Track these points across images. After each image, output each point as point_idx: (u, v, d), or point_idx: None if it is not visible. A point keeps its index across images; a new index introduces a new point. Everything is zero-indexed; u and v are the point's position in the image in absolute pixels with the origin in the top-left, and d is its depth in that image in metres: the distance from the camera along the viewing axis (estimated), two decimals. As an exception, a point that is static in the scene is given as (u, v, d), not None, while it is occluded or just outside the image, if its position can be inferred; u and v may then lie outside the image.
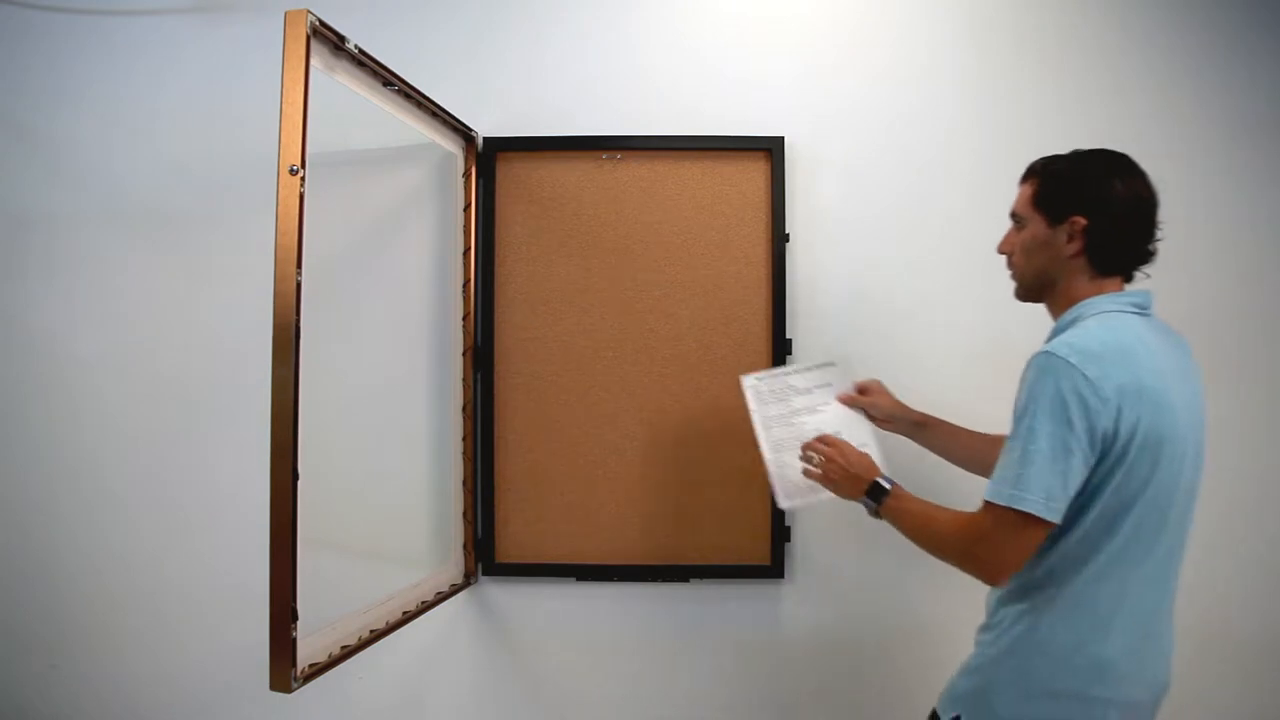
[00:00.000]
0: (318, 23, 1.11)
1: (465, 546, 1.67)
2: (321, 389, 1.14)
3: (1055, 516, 0.97)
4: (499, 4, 1.74)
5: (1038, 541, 0.99)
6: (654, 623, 1.70)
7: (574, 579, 1.69)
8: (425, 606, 1.47)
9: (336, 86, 1.23)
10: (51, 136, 1.78)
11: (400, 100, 1.43)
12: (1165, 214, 1.65)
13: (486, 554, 1.68)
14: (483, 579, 1.71)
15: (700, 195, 1.68)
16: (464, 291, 1.67)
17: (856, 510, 1.24)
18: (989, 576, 1.04)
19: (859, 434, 1.37)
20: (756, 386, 1.43)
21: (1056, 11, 1.71)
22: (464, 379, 1.67)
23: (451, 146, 1.64)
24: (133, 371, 1.75)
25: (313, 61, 1.10)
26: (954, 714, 1.10)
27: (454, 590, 1.61)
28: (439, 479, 1.65)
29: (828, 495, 1.29)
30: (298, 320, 1.06)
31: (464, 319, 1.67)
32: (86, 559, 1.76)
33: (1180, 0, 1.70)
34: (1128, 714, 1.04)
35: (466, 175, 1.68)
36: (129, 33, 1.78)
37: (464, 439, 1.67)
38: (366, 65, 1.28)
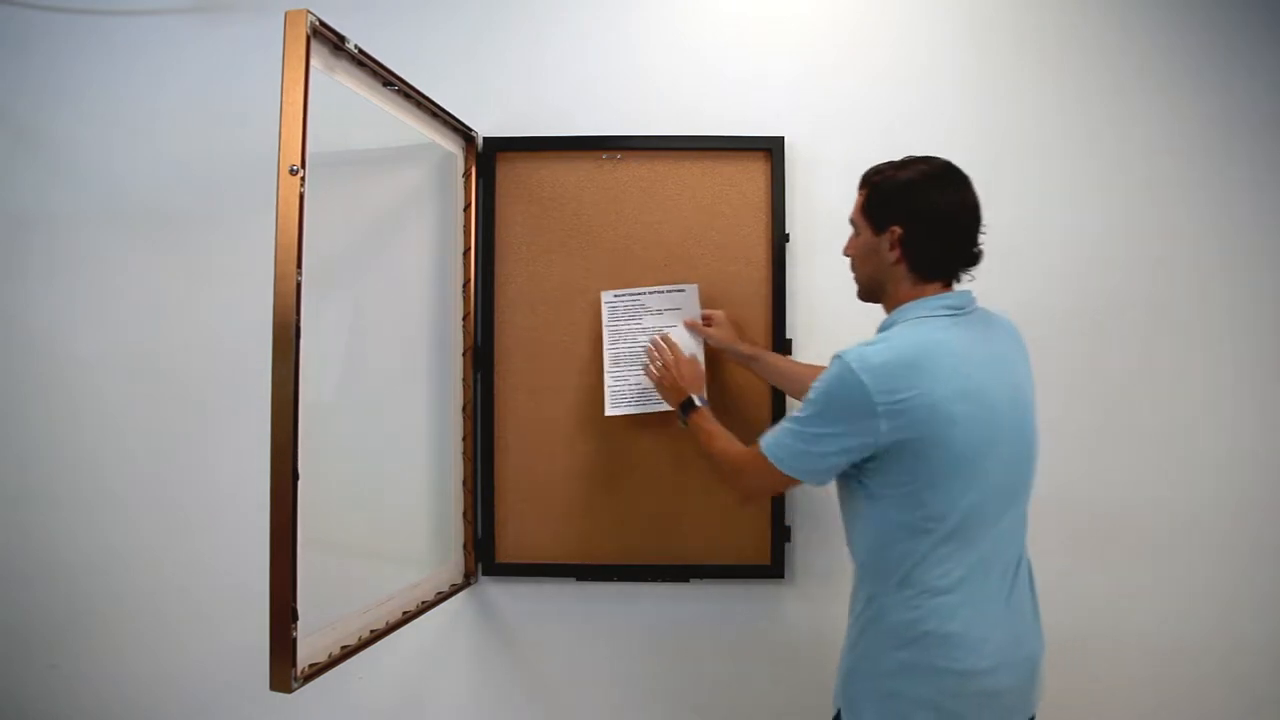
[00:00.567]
0: (318, 23, 1.11)
1: (465, 546, 1.67)
2: (321, 389, 1.14)
3: (799, 476, 1.14)
4: (499, 4, 1.74)
5: (784, 486, 1.20)
6: (654, 623, 1.70)
7: (574, 579, 1.69)
8: (425, 606, 1.47)
9: (336, 86, 1.23)
10: (51, 136, 1.78)
11: (400, 100, 1.43)
12: (1165, 213, 1.68)
13: (486, 554, 1.68)
14: (483, 579, 1.71)
15: (700, 195, 1.68)
16: (464, 291, 1.67)
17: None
18: (739, 499, 1.33)
19: (694, 348, 1.58)
20: (613, 302, 1.63)
21: (1056, 11, 1.71)
22: (464, 379, 1.66)
23: (451, 146, 1.64)
24: (133, 371, 1.75)
25: (313, 61, 1.10)
26: (837, 708, 1.20)
27: (454, 590, 1.61)
28: (439, 479, 1.64)
29: (651, 409, 1.56)
30: (298, 320, 1.06)
31: (464, 319, 1.67)
32: (86, 559, 1.76)
33: (1180, 0, 1.70)
34: (985, 688, 1.08)
35: (466, 175, 1.68)
36: (129, 33, 1.78)
37: (464, 439, 1.67)
38: (366, 65, 1.28)
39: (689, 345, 1.58)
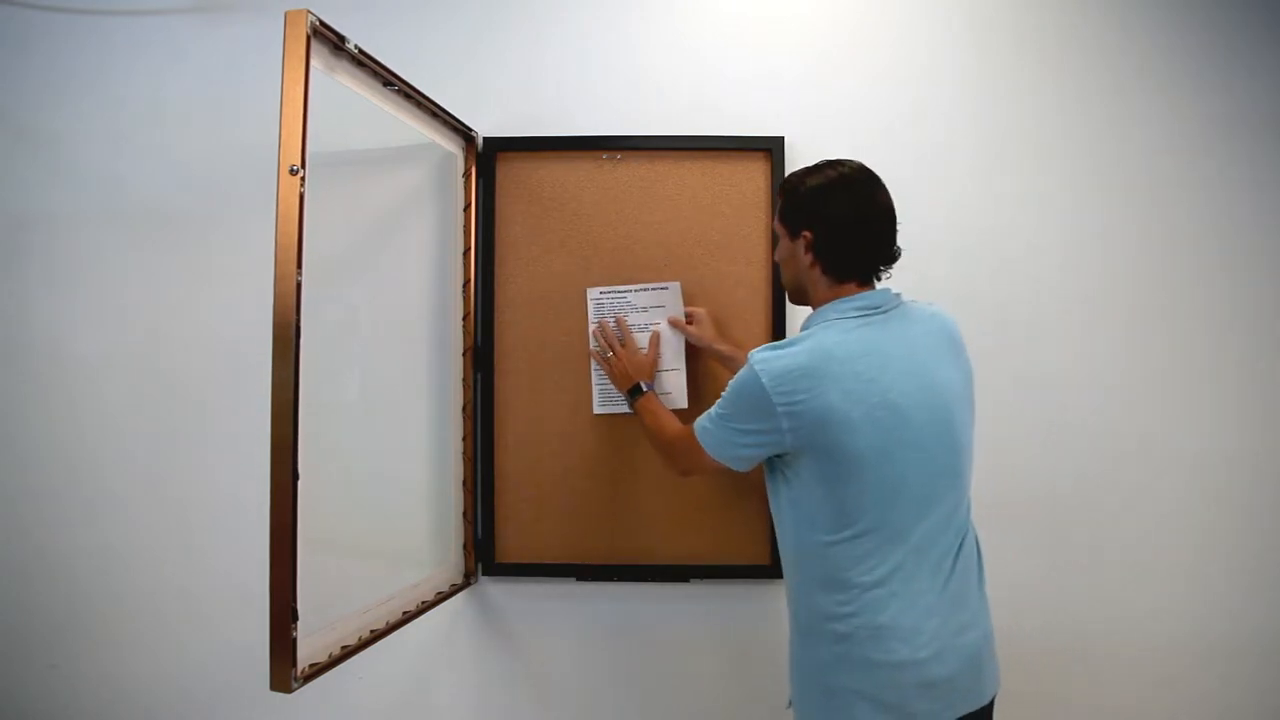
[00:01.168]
0: (318, 23, 1.11)
1: (465, 546, 1.67)
2: (321, 389, 1.13)
3: (722, 461, 1.21)
4: (499, 4, 1.74)
5: (712, 466, 1.23)
6: (654, 623, 1.70)
7: (574, 579, 1.69)
8: (425, 606, 1.47)
9: (336, 86, 1.23)
10: (51, 136, 1.78)
11: (400, 100, 1.43)
12: (1165, 213, 1.68)
13: (486, 554, 1.68)
14: (483, 579, 1.71)
15: (700, 195, 1.68)
16: (464, 291, 1.67)
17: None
18: (675, 472, 1.44)
19: (673, 355, 1.63)
20: (599, 299, 1.65)
21: (1056, 11, 1.71)
22: (464, 379, 1.66)
23: (451, 146, 1.64)
24: (133, 371, 1.75)
25: (313, 61, 1.10)
26: (789, 700, 1.24)
27: (454, 590, 1.61)
28: (439, 479, 1.64)
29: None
30: (298, 320, 1.06)
31: (464, 319, 1.67)
32: (86, 559, 1.75)
33: (1180, 0, 1.70)
34: (924, 678, 1.10)
35: (466, 175, 1.68)
36: (129, 33, 1.78)
37: (464, 439, 1.67)
38: (366, 65, 1.28)
39: (672, 343, 1.62)
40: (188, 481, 1.74)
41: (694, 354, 1.65)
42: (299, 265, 1.06)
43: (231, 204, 1.73)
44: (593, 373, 1.66)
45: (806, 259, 1.19)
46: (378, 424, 1.56)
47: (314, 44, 1.11)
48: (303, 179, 1.06)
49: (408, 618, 1.41)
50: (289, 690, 1.06)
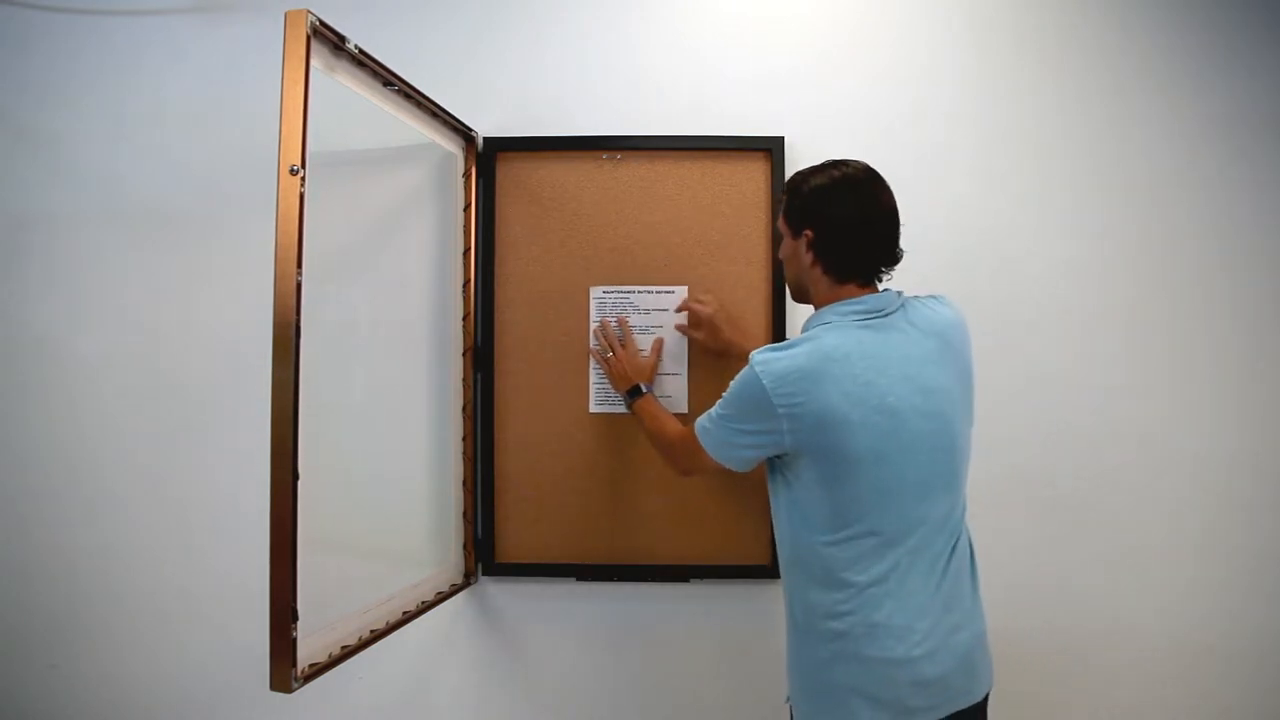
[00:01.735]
0: (318, 23, 1.11)
1: (465, 546, 1.67)
2: (321, 389, 1.13)
3: (722, 462, 1.22)
4: (499, 4, 1.74)
5: (712, 466, 1.24)
6: (654, 623, 1.70)
7: (574, 579, 1.69)
8: (425, 606, 1.47)
9: (336, 86, 1.23)
10: (51, 136, 1.78)
11: (400, 100, 1.43)
12: (1165, 213, 1.68)
13: (486, 554, 1.68)
14: (483, 579, 1.71)
15: (700, 195, 1.68)
16: (464, 291, 1.67)
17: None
18: (676, 472, 1.44)
19: (674, 359, 1.64)
20: (602, 299, 1.66)
21: (1056, 11, 1.71)
22: (464, 379, 1.66)
23: (451, 146, 1.64)
24: (133, 371, 1.75)
25: (313, 62, 1.10)
26: (786, 696, 1.26)
27: (454, 590, 1.61)
28: (439, 479, 1.64)
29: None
30: (298, 320, 1.06)
31: (464, 319, 1.67)
32: (86, 559, 1.76)
33: (1180, 0, 1.70)
34: (919, 675, 1.11)
35: (466, 175, 1.68)
36: (129, 33, 1.78)
37: (464, 439, 1.67)
38: (366, 65, 1.28)
39: (673, 347, 1.65)
40: (188, 481, 1.74)
41: (695, 359, 1.64)
42: (299, 265, 1.06)
43: (231, 204, 1.73)
44: (591, 371, 1.66)
45: (808, 258, 1.19)
46: (378, 424, 1.55)
47: (314, 44, 1.10)
48: (303, 179, 1.06)
49: (408, 618, 1.41)
50: (289, 690, 1.06)
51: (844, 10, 1.72)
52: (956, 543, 1.19)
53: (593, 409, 1.66)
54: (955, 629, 1.15)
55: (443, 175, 1.66)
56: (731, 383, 1.19)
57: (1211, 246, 1.69)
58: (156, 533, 1.74)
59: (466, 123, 1.64)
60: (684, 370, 1.65)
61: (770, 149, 1.66)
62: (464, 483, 1.67)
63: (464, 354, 1.67)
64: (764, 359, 1.14)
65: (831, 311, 1.18)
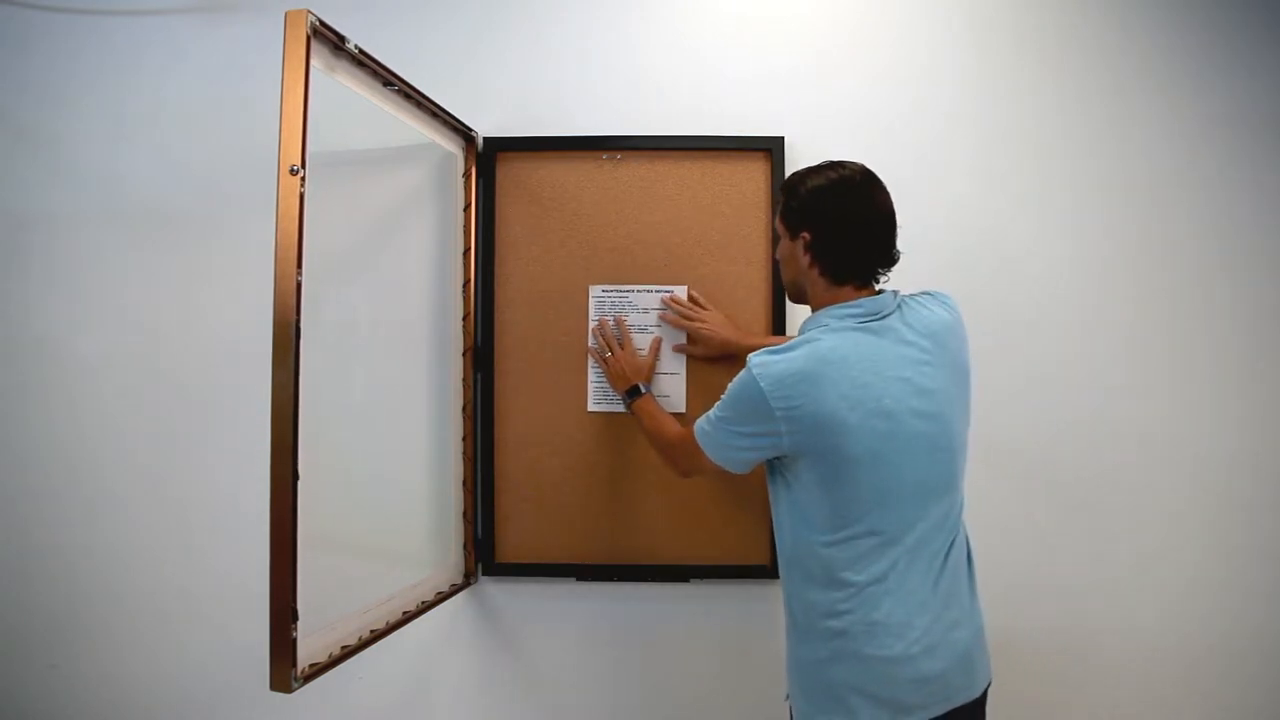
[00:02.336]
0: (318, 23, 1.11)
1: (465, 546, 1.67)
2: (321, 389, 1.13)
3: (721, 464, 1.23)
4: (499, 4, 1.74)
5: (711, 468, 1.25)
6: (654, 623, 1.70)
7: (574, 579, 1.69)
8: (425, 606, 1.47)
9: (336, 86, 1.23)
10: (52, 136, 1.78)
11: (400, 100, 1.43)
12: (1165, 213, 1.68)
13: (486, 554, 1.68)
14: (483, 579, 1.71)
15: (700, 195, 1.68)
16: (464, 291, 1.67)
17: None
18: (675, 473, 1.43)
19: (673, 359, 1.64)
20: (601, 298, 1.67)
21: (1056, 11, 1.71)
22: (464, 379, 1.66)
23: (451, 146, 1.64)
24: (133, 371, 1.75)
25: (313, 62, 1.10)
26: (786, 694, 1.26)
27: (454, 590, 1.61)
28: (439, 479, 1.64)
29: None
30: (298, 320, 1.06)
31: (464, 319, 1.67)
32: (86, 559, 1.76)
33: (1180, 0, 1.70)
34: (918, 673, 1.12)
35: (466, 175, 1.68)
36: (129, 33, 1.78)
37: (464, 439, 1.67)
38: (367, 65, 1.28)
39: (668, 348, 1.65)
40: (188, 481, 1.74)
41: (695, 359, 1.65)
42: (299, 265, 1.06)
43: (231, 204, 1.73)
44: (589, 370, 1.66)
45: (805, 260, 1.20)
46: (378, 424, 1.55)
47: (314, 44, 1.11)
48: (303, 179, 1.06)
49: (408, 618, 1.41)
50: (289, 690, 1.06)
51: (844, 10, 1.72)
52: (954, 541, 1.19)
53: (591, 408, 1.66)
54: (953, 626, 1.15)
55: (443, 175, 1.66)
56: (729, 385, 1.20)
57: (1211, 246, 1.69)
58: (156, 533, 1.74)
59: (466, 123, 1.64)
60: (683, 370, 1.65)
61: (770, 149, 1.67)
62: (464, 483, 1.67)
63: (464, 354, 1.67)
64: (761, 362, 1.14)
65: (828, 314, 1.19)
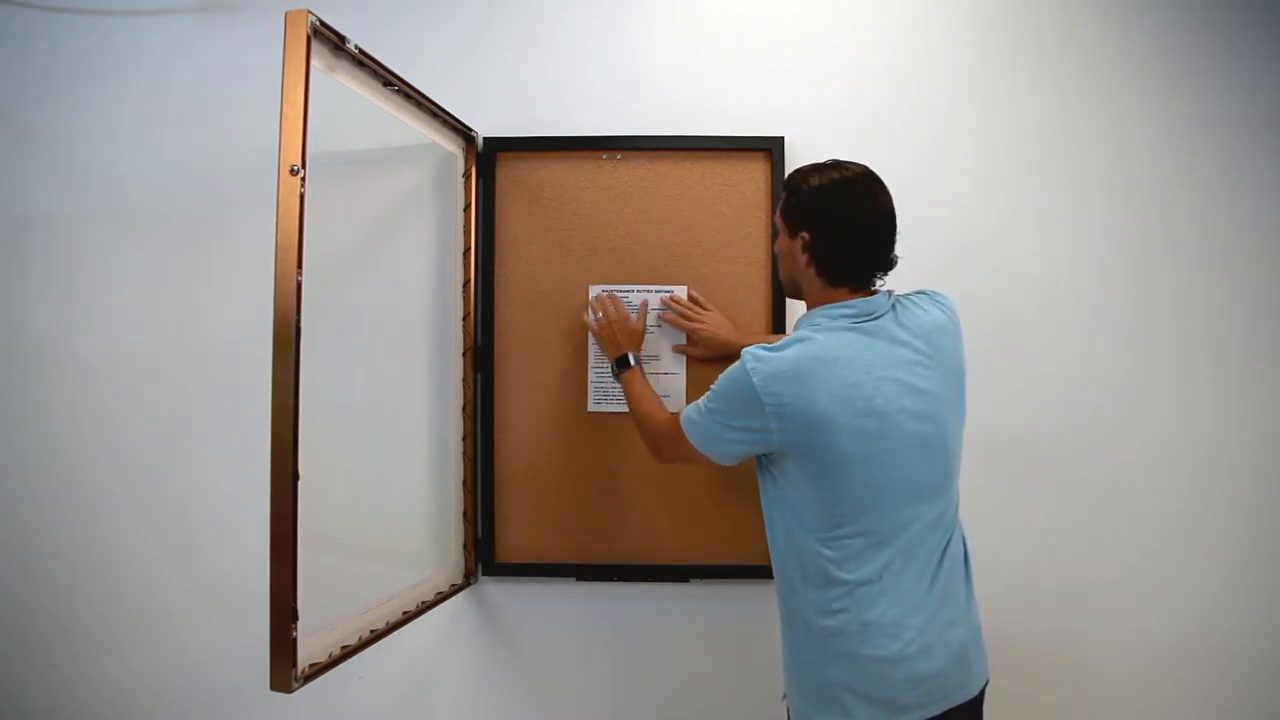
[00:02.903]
0: (318, 23, 1.11)
1: (465, 546, 1.67)
2: (321, 389, 1.13)
3: (706, 454, 1.23)
4: (499, 4, 1.74)
5: (695, 457, 1.25)
6: (654, 623, 1.70)
7: (574, 579, 1.69)
8: (425, 606, 1.47)
9: (336, 86, 1.23)
10: (52, 136, 1.78)
11: (400, 100, 1.43)
12: (1165, 213, 1.68)
13: (486, 554, 1.68)
14: (483, 579, 1.71)
15: (700, 195, 1.68)
16: (464, 291, 1.67)
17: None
18: (656, 459, 1.42)
19: (672, 359, 1.65)
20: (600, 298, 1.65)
21: (1056, 11, 1.71)
22: (464, 379, 1.67)
23: (451, 146, 1.64)
24: (133, 371, 1.75)
25: (313, 62, 1.10)
26: (783, 693, 1.26)
27: (454, 590, 1.61)
28: (439, 479, 1.64)
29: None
30: (298, 320, 1.06)
31: (464, 319, 1.67)
32: (87, 558, 1.76)
33: (1180, 0, 1.70)
34: (913, 673, 1.12)
35: (466, 175, 1.68)
36: (129, 33, 1.78)
37: (464, 439, 1.67)
38: (367, 65, 1.28)
39: (667, 350, 1.66)
40: (188, 481, 1.74)
41: (695, 361, 1.65)
42: (299, 265, 1.06)
43: (231, 204, 1.73)
44: (589, 370, 1.66)
45: (803, 259, 1.20)
46: (378, 424, 1.56)
47: (314, 44, 1.10)
48: (303, 179, 1.06)
49: (408, 618, 1.41)
50: (289, 690, 1.06)
51: (844, 10, 1.72)
52: (950, 540, 1.19)
53: (591, 408, 1.66)
54: (949, 626, 1.15)
55: (443, 175, 1.66)
56: (721, 376, 1.19)
57: (1211, 246, 1.69)
58: (156, 533, 1.74)
59: (466, 123, 1.64)
60: (683, 371, 1.65)
61: (770, 149, 1.66)
62: (464, 483, 1.67)
63: (464, 354, 1.67)
64: (755, 356, 1.14)
65: (821, 314, 1.19)
